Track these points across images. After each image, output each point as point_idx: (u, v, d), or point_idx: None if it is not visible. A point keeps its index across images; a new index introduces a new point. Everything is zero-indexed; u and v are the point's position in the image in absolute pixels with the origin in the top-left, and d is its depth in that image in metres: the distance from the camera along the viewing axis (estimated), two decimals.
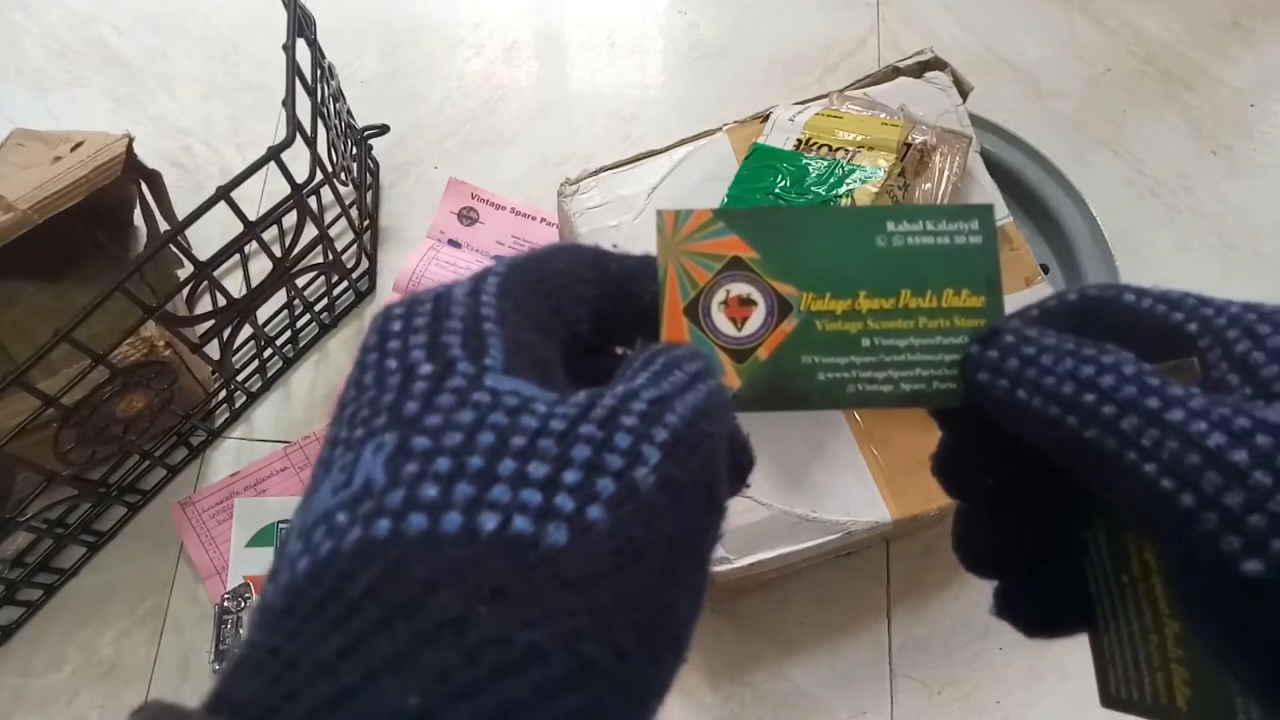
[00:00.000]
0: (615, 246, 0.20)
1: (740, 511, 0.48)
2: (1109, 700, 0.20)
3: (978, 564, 0.21)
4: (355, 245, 0.68)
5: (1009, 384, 0.17)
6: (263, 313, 0.61)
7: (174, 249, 0.48)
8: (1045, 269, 0.65)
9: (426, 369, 0.15)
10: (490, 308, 0.16)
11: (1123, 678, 0.19)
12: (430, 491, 0.13)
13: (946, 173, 0.54)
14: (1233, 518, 0.14)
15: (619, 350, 0.20)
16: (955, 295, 0.20)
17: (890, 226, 0.20)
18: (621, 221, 0.55)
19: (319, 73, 0.58)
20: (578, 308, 0.18)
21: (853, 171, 0.50)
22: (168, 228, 0.67)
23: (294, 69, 0.52)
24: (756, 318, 0.20)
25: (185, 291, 0.65)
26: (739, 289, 0.20)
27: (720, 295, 0.20)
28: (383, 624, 0.12)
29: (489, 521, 0.13)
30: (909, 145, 0.52)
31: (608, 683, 0.13)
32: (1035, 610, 0.21)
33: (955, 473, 0.21)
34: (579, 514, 0.13)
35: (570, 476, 0.14)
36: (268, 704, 0.11)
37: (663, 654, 0.14)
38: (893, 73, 0.59)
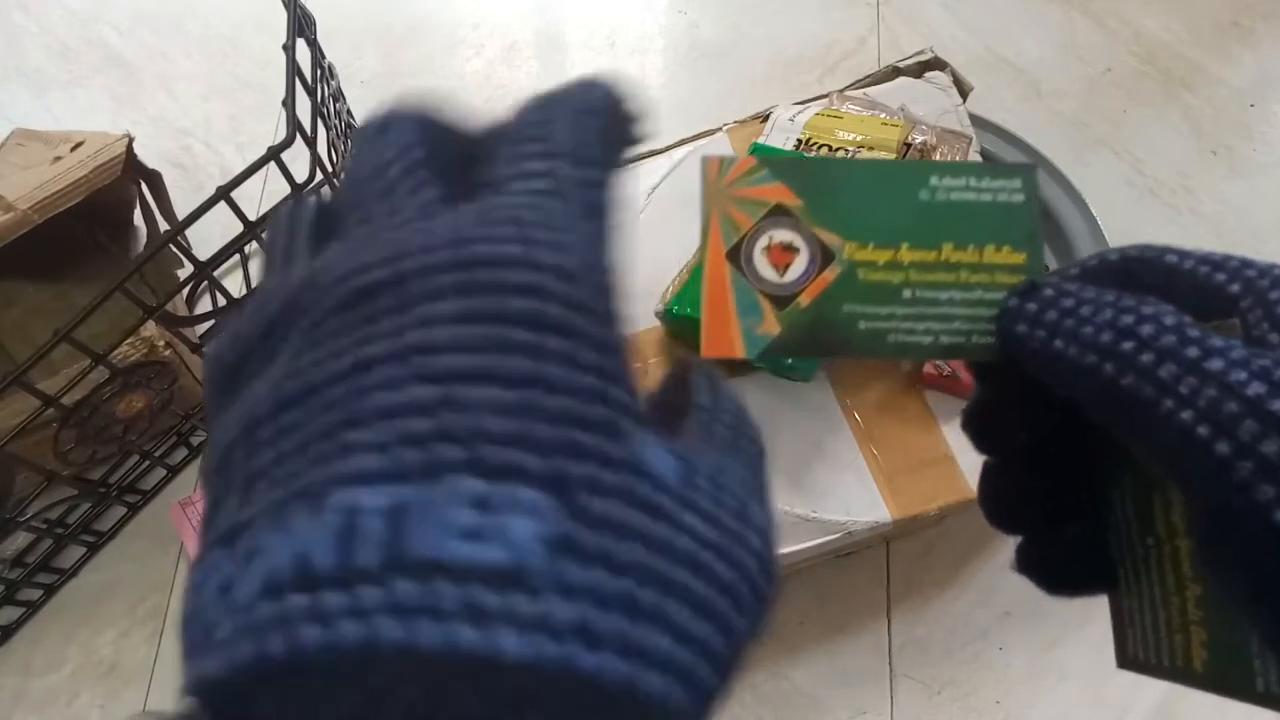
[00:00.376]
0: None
1: None
2: (1126, 661, 0.20)
3: (1003, 519, 0.21)
4: None
5: (1046, 334, 0.18)
6: None
7: (174, 249, 0.48)
8: (1045, 268, 0.65)
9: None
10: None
11: (1141, 640, 0.20)
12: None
13: None
14: (1269, 466, 0.14)
15: None
16: (997, 251, 0.20)
17: (934, 180, 0.20)
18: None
19: (319, 73, 0.58)
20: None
21: None
22: (168, 228, 0.67)
23: (294, 69, 0.52)
24: (799, 265, 0.20)
25: (185, 291, 0.65)
26: (782, 235, 0.20)
27: (763, 241, 0.20)
28: None
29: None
30: (909, 145, 0.52)
31: None
32: (1057, 568, 0.21)
33: (988, 427, 0.21)
34: None
35: None
36: None
37: None
38: (893, 73, 0.59)
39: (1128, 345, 0.16)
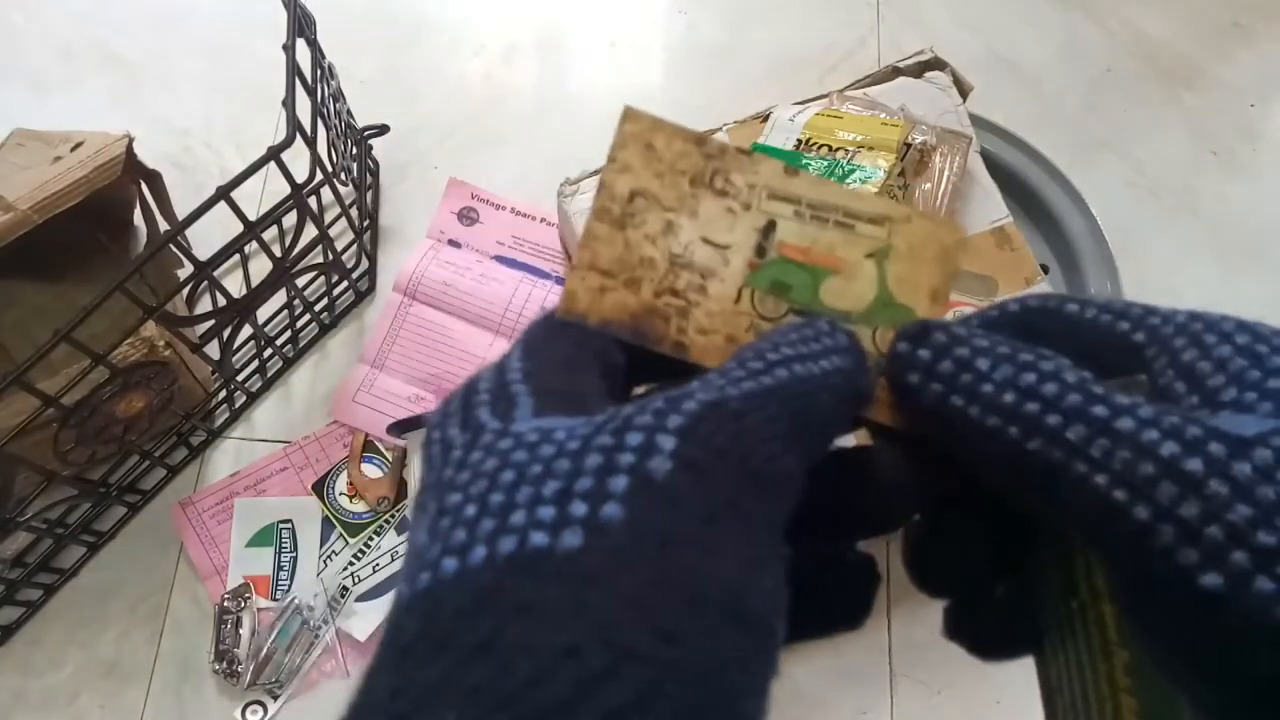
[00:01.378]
0: None
1: None
2: None
3: (927, 581, 0.20)
4: (355, 245, 0.68)
5: (943, 389, 0.17)
6: (263, 313, 0.61)
7: (174, 249, 0.48)
8: (1045, 269, 0.65)
9: (460, 438, 0.16)
10: (515, 371, 0.17)
11: (1069, 707, 0.19)
12: (459, 536, 0.14)
13: (946, 173, 0.54)
14: (1190, 530, 0.13)
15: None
16: None
17: None
18: None
19: (319, 73, 0.58)
20: (599, 339, 0.18)
21: (853, 171, 0.51)
22: (168, 228, 0.67)
23: (294, 69, 0.52)
24: None
25: (185, 291, 0.65)
26: None
27: None
28: (425, 659, 0.13)
29: (507, 544, 0.14)
30: (909, 145, 0.52)
31: (659, 668, 0.12)
32: (988, 632, 0.20)
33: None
34: (592, 515, 0.14)
35: (583, 484, 0.14)
36: None
37: (724, 630, 0.13)
38: (893, 73, 0.59)
39: (1032, 407, 0.15)
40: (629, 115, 0.19)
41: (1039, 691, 0.20)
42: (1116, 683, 0.17)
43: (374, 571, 0.61)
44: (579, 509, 0.14)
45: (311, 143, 0.52)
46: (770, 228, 0.19)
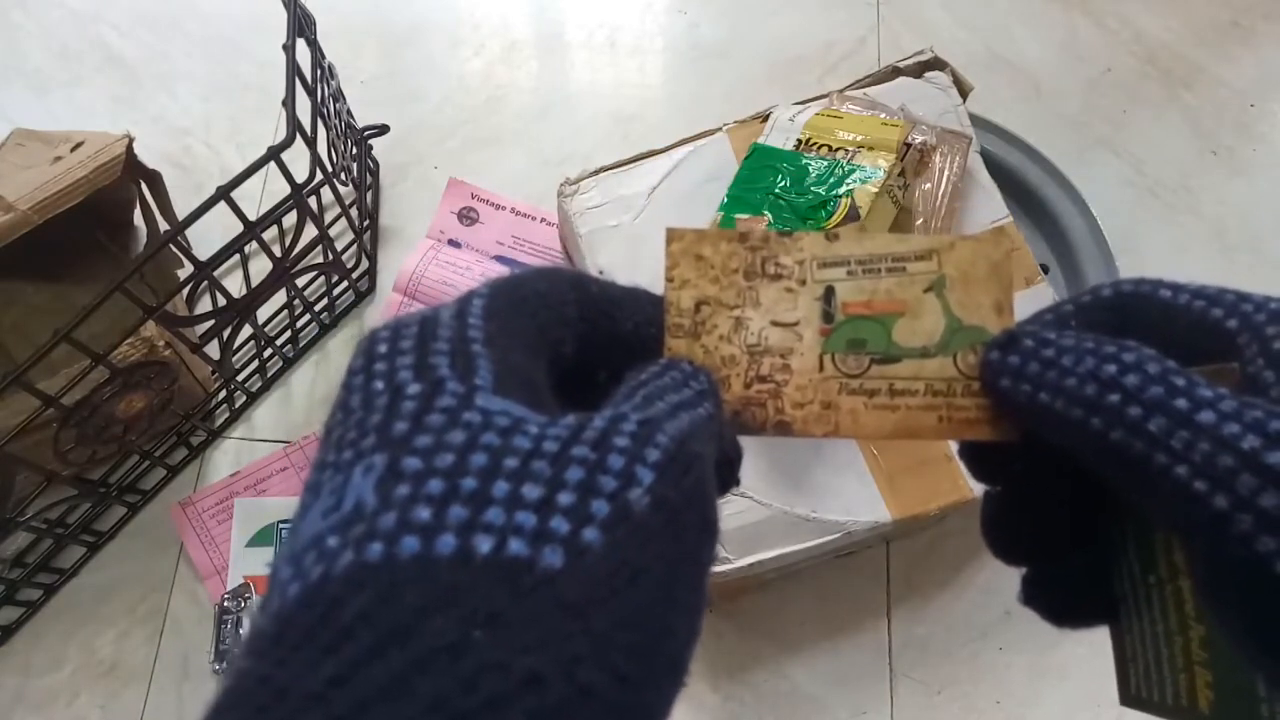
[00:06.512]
0: (601, 273, 0.20)
1: (740, 511, 0.48)
2: (1128, 699, 0.20)
3: (1005, 549, 0.21)
4: (355, 245, 0.68)
5: (1031, 389, 0.17)
6: (263, 313, 0.61)
7: (174, 249, 0.48)
8: (1045, 269, 0.65)
9: (415, 388, 0.15)
10: (477, 329, 0.16)
11: (1144, 677, 0.19)
12: (423, 514, 0.13)
13: (946, 173, 0.54)
14: (1269, 519, 0.14)
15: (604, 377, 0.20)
16: None
17: None
18: (621, 221, 0.55)
19: (319, 73, 0.58)
20: (560, 329, 0.18)
21: (852, 171, 0.51)
22: (168, 228, 0.67)
23: (294, 69, 0.52)
24: None
25: (185, 291, 0.65)
26: None
27: None
28: (375, 651, 0.12)
29: (484, 544, 0.13)
30: (909, 145, 0.52)
31: (605, 708, 0.12)
32: (1062, 600, 0.21)
33: (981, 455, 0.21)
34: (574, 536, 0.13)
35: (565, 498, 0.14)
36: None
37: (662, 677, 0.14)
38: (893, 73, 0.59)
39: (1113, 398, 0.16)
40: (672, 235, 0.20)
41: (1113, 660, 0.21)
42: (1192, 655, 0.18)
43: None
44: (561, 526, 0.13)
45: (311, 143, 0.52)
46: (830, 293, 0.20)
